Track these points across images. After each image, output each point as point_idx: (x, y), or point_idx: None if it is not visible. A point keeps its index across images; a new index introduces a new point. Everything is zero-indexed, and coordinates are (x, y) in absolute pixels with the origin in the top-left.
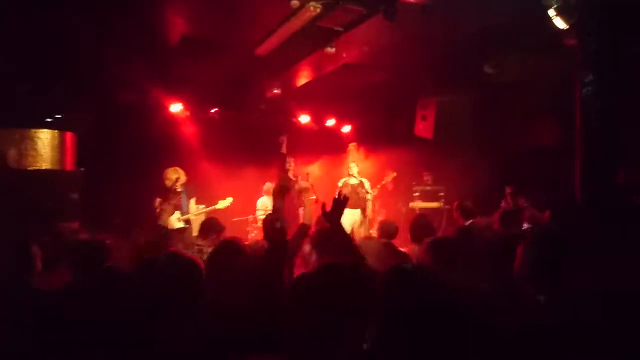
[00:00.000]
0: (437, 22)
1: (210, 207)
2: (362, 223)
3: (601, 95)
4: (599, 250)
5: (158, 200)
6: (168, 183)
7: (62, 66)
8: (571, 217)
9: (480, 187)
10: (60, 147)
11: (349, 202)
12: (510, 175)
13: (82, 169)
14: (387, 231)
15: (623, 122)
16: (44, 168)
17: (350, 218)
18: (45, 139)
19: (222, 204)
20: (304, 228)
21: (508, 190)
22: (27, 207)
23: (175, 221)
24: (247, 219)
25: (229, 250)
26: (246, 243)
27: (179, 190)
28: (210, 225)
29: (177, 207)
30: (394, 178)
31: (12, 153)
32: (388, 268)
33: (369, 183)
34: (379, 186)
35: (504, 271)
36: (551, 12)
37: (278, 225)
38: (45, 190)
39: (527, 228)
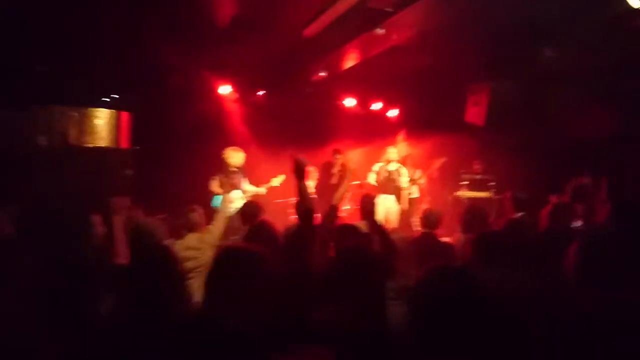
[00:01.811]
0: (491, 3)
1: (267, 185)
2: (399, 209)
3: None
4: None
5: (217, 178)
6: (230, 162)
7: (118, 49)
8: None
9: (533, 179)
10: (116, 125)
11: (384, 187)
12: (566, 166)
13: (136, 147)
14: (429, 221)
15: None
16: (101, 145)
17: (384, 203)
18: (102, 118)
19: (276, 181)
20: (333, 210)
21: (584, 179)
22: (85, 182)
23: (238, 200)
24: (288, 201)
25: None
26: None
27: (234, 170)
28: (252, 211)
29: (235, 187)
30: (442, 165)
31: (72, 131)
32: (426, 270)
33: (406, 170)
34: (427, 172)
35: (549, 270)
36: None
37: (302, 208)
38: (101, 167)
39: (579, 226)
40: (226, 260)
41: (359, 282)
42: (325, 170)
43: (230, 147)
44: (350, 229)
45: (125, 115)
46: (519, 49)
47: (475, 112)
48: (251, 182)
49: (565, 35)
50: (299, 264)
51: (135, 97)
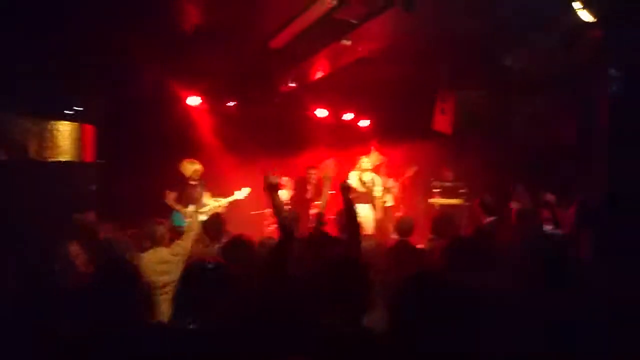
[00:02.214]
0: (455, 14)
1: (228, 198)
2: (374, 218)
3: (629, 91)
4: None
5: (171, 193)
6: (185, 175)
7: (81, 59)
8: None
9: (503, 185)
10: (80, 139)
11: (361, 197)
12: (531, 172)
13: (101, 160)
14: (403, 228)
15: None
16: (63, 160)
17: (361, 213)
18: (64, 131)
19: (239, 194)
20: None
21: (517, 188)
22: (47, 198)
23: (192, 214)
24: (264, 212)
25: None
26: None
27: (194, 183)
28: (216, 225)
29: (191, 200)
30: (414, 173)
31: (32, 145)
32: (405, 276)
33: (380, 179)
34: (398, 182)
35: (522, 273)
36: (576, 5)
37: (285, 218)
38: (64, 182)
39: (551, 230)
40: (191, 274)
41: (341, 291)
42: (301, 186)
43: (186, 159)
44: (330, 239)
45: (89, 128)
46: (482, 59)
47: (442, 121)
48: (222, 194)
49: (527, 46)
50: (279, 276)
51: (99, 109)
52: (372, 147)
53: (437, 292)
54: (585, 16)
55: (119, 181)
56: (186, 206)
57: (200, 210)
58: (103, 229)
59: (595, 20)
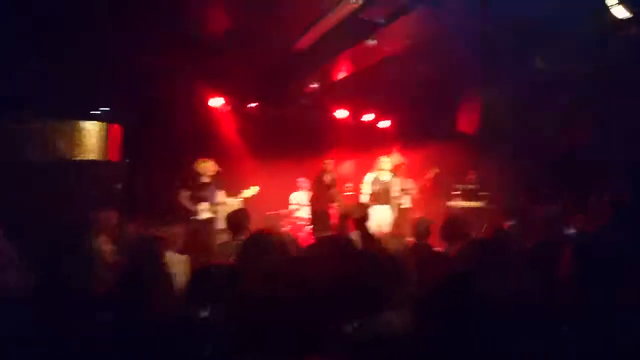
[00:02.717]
0: (481, 13)
1: (239, 196)
2: (392, 220)
3: None
4: None
5: (185, 191)
6: (199, 173)
7: (110, 61)
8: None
9: (526, 188)
10: (107, 138)
11: (377, 198)
12: (556, 175)
13: (126, 160)
14: (420, 231)
15: None
16: (90, 159)
17: (377, 214)
18: (92, 131)
19: (247, 193)
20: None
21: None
22: (74, 196)
23: (202, 211)
24: (280, 213)
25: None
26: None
27: (206, 181)
28: (238, 220)
29: (204, 199)
30: (435, 175)
31: (62, 144)
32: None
33: (398, 180)
34: (418, 184)
35: (544, 277)
36: (610, 1)
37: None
38: (91, 180)
39: (572, 233)
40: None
41: (365, 292)
42: (319, 186)
43: (201, 158)
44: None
45: (116, 128)
46: (509, 59)
47: (467, 122)
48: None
49: (555, 45)
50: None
51: (126, 109)
52: (395, 149)
53: (468, 296)
54: (621, 12)
55: (144, 180)
56: (198, 204)
57: (211, 208)
58: (128, 228)
59: (632, 15)
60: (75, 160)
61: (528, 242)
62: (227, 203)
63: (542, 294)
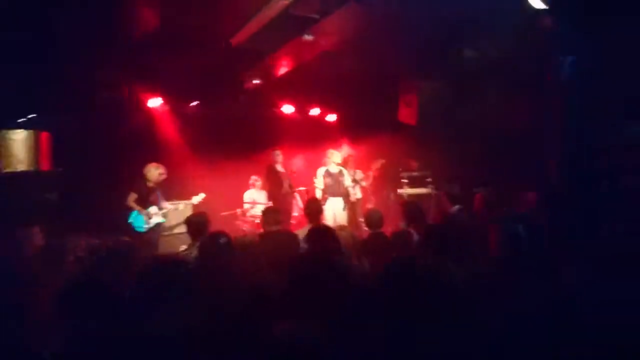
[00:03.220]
0: (412, 6)
1: (186, 202)
2: (346, 211)
3: (578, 77)
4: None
5: (133, 195)
6: (149, 180)
7: (35, 64)
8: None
9: (467, 173)
10: (35, 147)
11: (331, 190)
12: (492, 160)
13: (59, 169)
14: (373, 221)
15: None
16: (19, 170)
17: (332, 206)
18: (19, 140)
19: (195, 199)
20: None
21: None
22: (4, 211)
23: (154, 216)
24: (235, 212)
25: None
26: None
27: (152, 186)
28: (198, 223)
29: (152, 203)
30: (382, 165)
31: None
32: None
33: (347, 171)
34: (370, 173)
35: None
36: None
37: None
38: (19, 192)
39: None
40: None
41: (317, 293)
42: (273, 181)
43: (152, 163)
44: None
45: (45, 136)
46: (441, 50)
47: (407, 112)
48: (187, 196)
49: (483, 36)
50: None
51: (55, 115)
52: (343, 142)
53: (415, 275)
54: (537, 3)
55: (79, 189)
56: (146, 207)
57: (162, 212)
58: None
59: (547, 7)
60: (3, 172)
61: (472, 225)
62: (179, 208)
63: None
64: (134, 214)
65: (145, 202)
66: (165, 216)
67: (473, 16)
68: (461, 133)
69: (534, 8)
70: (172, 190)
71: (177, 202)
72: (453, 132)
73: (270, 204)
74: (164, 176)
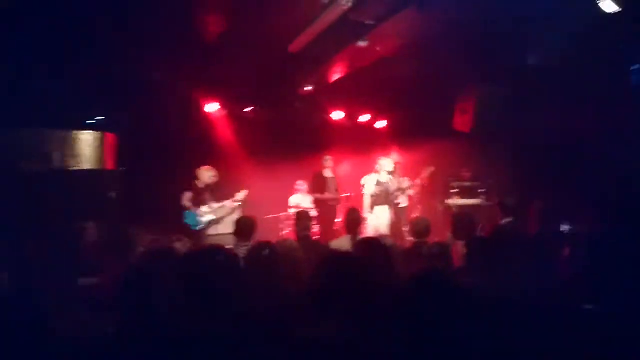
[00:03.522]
0: (472, 11)
1: (229, 202)
2: (390, 220)
3: None
4: None
5: (188, 195)
6: (200, 181)
7: (101, 68)
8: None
9: (522, 184)
10: (102, 147)
11: (379, 199)
12: (550, 171)
13: (122, 168)
14: (418, 230)
15: None
16: (85, 168)
17: (378, 215)
18: (86, 140)
19: (240, 196)
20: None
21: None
22: (67, 207)
23: (205, 215)
24: (279, 216)
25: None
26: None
27: (202, 187)
28: (246, 227)
29: (203, 202)
30: (431, 173)
31: (56, 155)
32: (412, 275)
33: (397, 180)
34: (417, 181)
35: (544, 272)
36: None
37: None
38: (85, 190)
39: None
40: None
41: (347, 295)
42: (318, 177)
43: (204, 167)
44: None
45: (110, 137)
46: (502, 57)
47: (462, 120)
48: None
49: (547, 42)
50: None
51: (121, 117)
52: (393, 149)
53: (441, 291)
54: (609, 7)
55: (139, 188)
56: (199, 207)
57: (209, 212)
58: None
59: (620, 10)
60: (69, 170)
61: (524, 238)
62: (226, 206)
63: (541, 290)
64: (188, 213)
65: (197, 202)
66: (216, 213)
67: (537, 21)
68: (519, 142)
69: (601, 13)
70: (223, 191)
71: (224, 201)
72: (510, 140)
73: (314, 209)
74: (215, 179)
